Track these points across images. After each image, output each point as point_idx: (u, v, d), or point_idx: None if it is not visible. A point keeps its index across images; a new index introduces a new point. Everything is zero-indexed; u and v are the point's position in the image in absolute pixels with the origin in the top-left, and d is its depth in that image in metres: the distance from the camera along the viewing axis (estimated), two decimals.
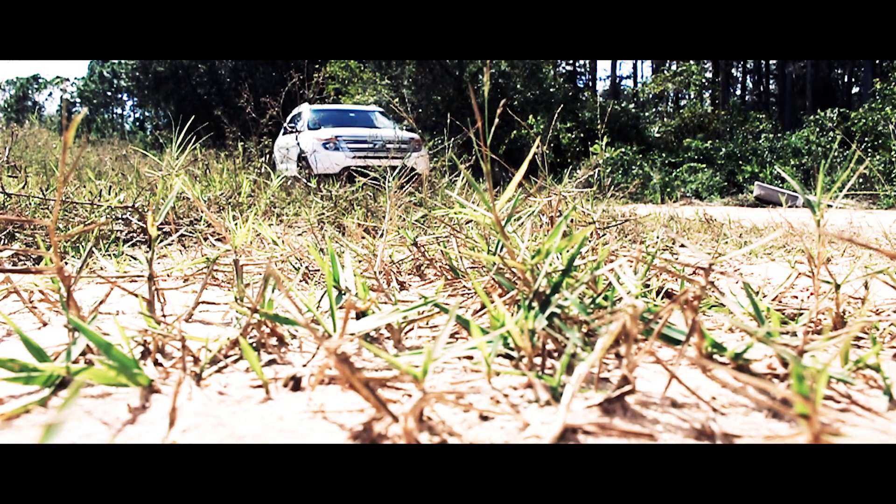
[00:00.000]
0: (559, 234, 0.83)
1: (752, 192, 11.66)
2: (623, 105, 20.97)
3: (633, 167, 14.59)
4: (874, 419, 0.61)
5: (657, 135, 19.63)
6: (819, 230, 0.81)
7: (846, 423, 0.59)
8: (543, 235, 1.22)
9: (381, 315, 0.81)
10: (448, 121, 3.34)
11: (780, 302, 1.16)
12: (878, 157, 12.17)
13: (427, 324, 0.97)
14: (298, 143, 9.41)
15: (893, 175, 11.56)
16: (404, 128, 10.51)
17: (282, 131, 10.05)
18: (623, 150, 15.17)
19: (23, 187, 2.31)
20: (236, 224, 1.64)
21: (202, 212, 2.34)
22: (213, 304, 1.12)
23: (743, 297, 1.10)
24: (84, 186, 2.60)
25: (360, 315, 0.92)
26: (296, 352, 0.82)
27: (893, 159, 11.81)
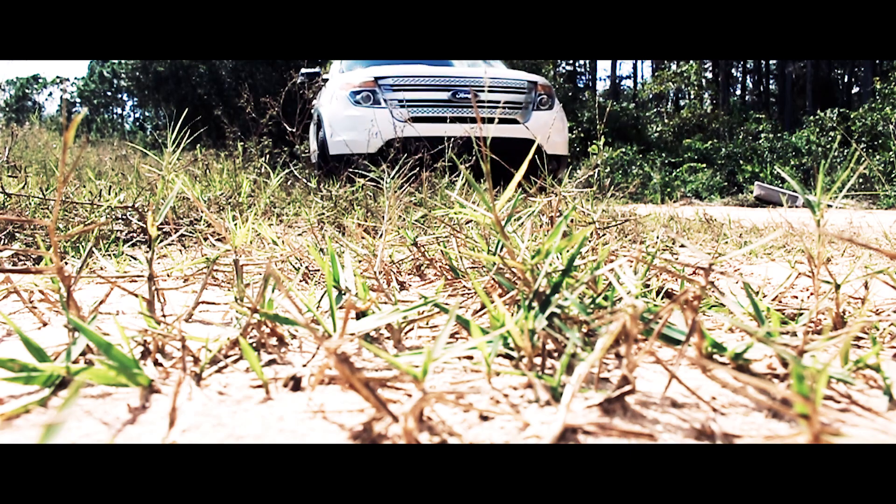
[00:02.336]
0: (559, 234, 0.83)
1: (752, 192, 11.67)
2: (623, 105, 20.98)
3: (633, 167, 14.59)
4: (874, 419, 0.61)
5: (657, 135, 19.63)
6: (819, 230, 0.81)
7: (846, 423, 0.59)
8: (543, 235, 1.22)
9: (381, 315, 0.81)
10: (448, 120, 3.31)
11: (780, 302, 1.16)
12: (878, 157, 12.17)
13: (427, 324, 0.97)
14: (317, 107, 5.23)
15: (893, 175, 11.56)
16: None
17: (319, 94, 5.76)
18: (623, 150, 15.18)
19: (23, 187, 2.31)
20: (236, 224, 1.64)
21: (202, 212, 2.34)
22: (213, 304, 1.11)
23: (743, 297, 1.10)
24: (84, 186, 2.60)
25: (360, 315, 0.92)
26: (296, 352, 0.82)
27: (893, 159, 11.81)
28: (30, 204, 2.00)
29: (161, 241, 2.00)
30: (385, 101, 4.54)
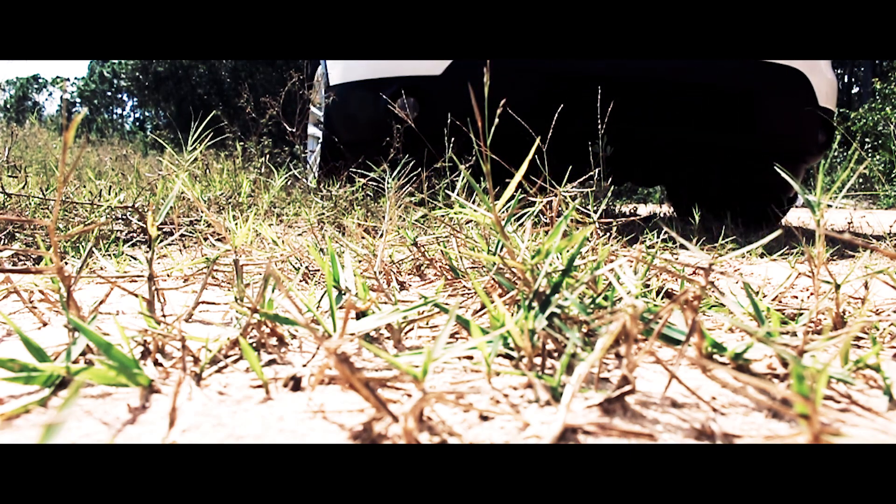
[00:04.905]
0: (559, 234, 0.83)
1: None
2: None
3: None
4: (874, 419, 0.61)
5: None
6: (819, 230, 0.81)
7: (846, 423, 0.59)
8: (543, 235, 1.22)
9: (381, 315, 0.81)
10: (448, 120, 3.28)
11: (780, 302, 1.16)
12: (878, 157, 12.17)
13: (427, 324, 0.97)
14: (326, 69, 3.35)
15: (893, 175, 11.56)
16: None
17: None
18: None
19: (23, 187, 2.32)
20: (236, 224, 1.64)
21: (202, 212, 2.34)
22: (213, 304, 1.11)
23: (743, 297, 1.10)
24: (84, 186, 2.60)
25: (360, 315, 0.92)
26: (296, 352, 0.82)
27: (893, 159, 11.81)
28: (30, 204, 2.00)
29: (161, 241, 1.99)
30: None
